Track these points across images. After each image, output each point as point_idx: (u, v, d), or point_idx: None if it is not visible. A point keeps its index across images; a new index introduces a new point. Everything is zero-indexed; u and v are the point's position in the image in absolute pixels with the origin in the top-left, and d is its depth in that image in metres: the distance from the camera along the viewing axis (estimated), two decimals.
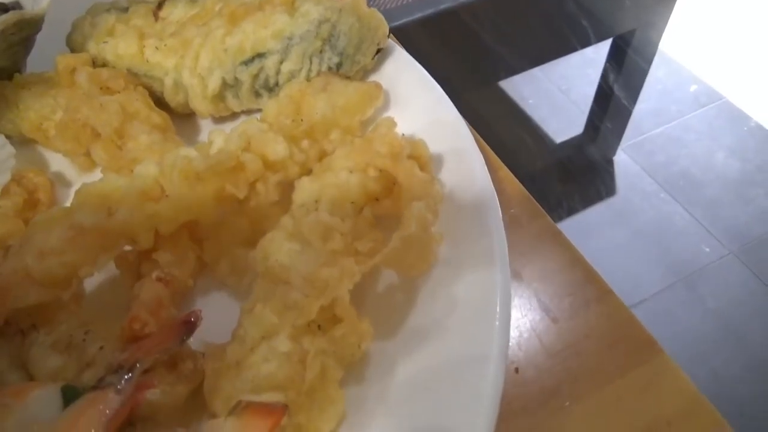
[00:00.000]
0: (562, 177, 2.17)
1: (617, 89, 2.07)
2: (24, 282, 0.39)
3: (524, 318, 0.46)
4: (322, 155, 0.47)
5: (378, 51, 0.53)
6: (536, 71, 2.29)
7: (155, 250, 0.43)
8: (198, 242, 0.46)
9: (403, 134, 0.45)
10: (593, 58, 2.18)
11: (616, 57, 1.98)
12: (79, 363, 0.38)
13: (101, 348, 0.39)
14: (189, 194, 0.42)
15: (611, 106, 2.14)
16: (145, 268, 0.43)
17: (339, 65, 0.52)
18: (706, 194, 2.10)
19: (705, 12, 2.62)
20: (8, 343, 0.39)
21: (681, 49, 2.51)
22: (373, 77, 0.54)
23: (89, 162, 0.52)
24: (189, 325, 0.40)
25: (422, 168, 0.43)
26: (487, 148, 0.53)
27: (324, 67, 0.52)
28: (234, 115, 0.56)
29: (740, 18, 2.60)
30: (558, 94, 2.34)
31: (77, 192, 0.42)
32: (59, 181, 0.53)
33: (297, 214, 0.43)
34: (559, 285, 0.48)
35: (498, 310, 0.39)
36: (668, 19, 1.81)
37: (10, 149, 0.50)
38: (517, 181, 0.52)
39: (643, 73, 2.06)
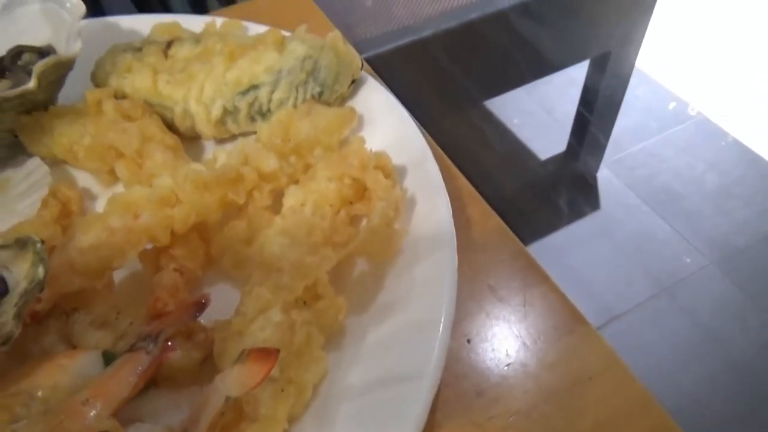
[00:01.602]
0: (546, 192, 2.27)
1: (597, 107, 2.17)
2: (68, 273, 0.49)
3: (474, 298, 0.56)
4: (307, 168, 0.57)
5: (353, 81, 0.63)
6: (520, 91, 2.41)
7: (171, 247, 0.53)
8: (206, 240, 0.55)
9: (371, 149, 0.55)
10: (575, 77, 2.28)
11: (594, 77, 2.08)
12: (114, 336, 0.48)
13: (131, 324, 0.48)
14: (198, 200, 0.52)
15: (592, 123, 2.23)
16: (163, 261, 0.53)
17: (321, 94, 0.63)
18: (687, 207, 2.19)
19: (681, 31, 2.75)
20: (56, 321, 0.49)
21: (659, 68, 2.62)
22: (350, 103, 0.64)
23: (112, 178, 0.62)
24: (200, 305, 0.50)
25: (386, 176, 0.53)
26: (445, 157, 0.64)
27: (308, 96, 0.63)
28: (233, 137, 0.66)
29: (715, 36, 2.73)
30: (541, 113, 2.45)
31: (109, 200, 0.52)
32: (86, 194, 0.63)
33: (286, 214, 0.53)
34: (505, 272, 0.58)
35: (446, 286, 0.49)
36: (642, 39, 1.91)
37: (45, 168, 0.61)
38: (471, 186, 0.62)
39: (621, 92, 2.15)
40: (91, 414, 0.40)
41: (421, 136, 0.58)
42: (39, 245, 0.43)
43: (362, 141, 0.55)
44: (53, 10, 0.65)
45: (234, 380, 0.42)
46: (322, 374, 0.47)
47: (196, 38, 0.69)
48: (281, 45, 0.64)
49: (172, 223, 0.52)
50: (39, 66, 0.58)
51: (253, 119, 0.64)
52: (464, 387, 0.52)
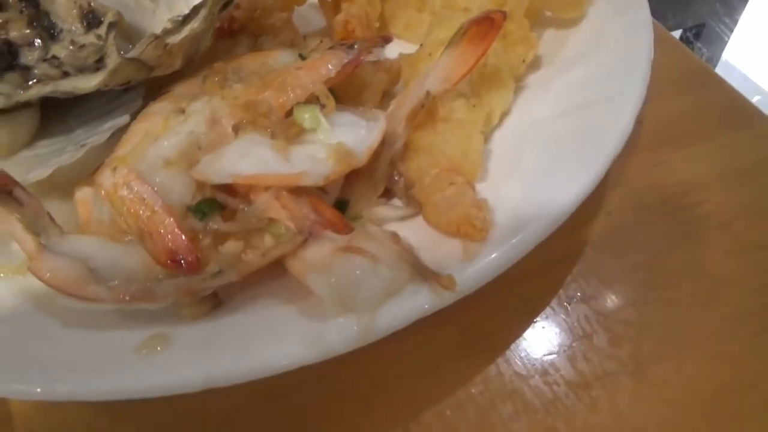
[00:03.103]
0: None
1: None
2: None
3: None
4: None
5: None
6: None
7: None
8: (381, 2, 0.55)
9: None
10: None
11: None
12: (304, 51, 0.48)
13: (321, 41, 0.49)
14: None
15: None
16: (344, 4, 0.53)
17: None
18: None
19: None
20: (247, 39, 0.50)
21: (745, 60, 2.54)
22: None
23: None
24: (386, 38, 0.50)
25: None
26: None
27: None
28: None
29: None
30: None
31: None
32: None
33: None
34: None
35: (644, 39, 0.47)
36: (737, 21, 1.85)
37: None
38: None
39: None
40: (306, 76, 0.40)
41: None
42: None
43: None
44: None
45: (441, 72, 0.42)
46: (509, 101, 0.47)
47: None
48: None
49: None
50: None
51: None
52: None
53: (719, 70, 2.13)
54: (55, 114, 0.47)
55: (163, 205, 0.34)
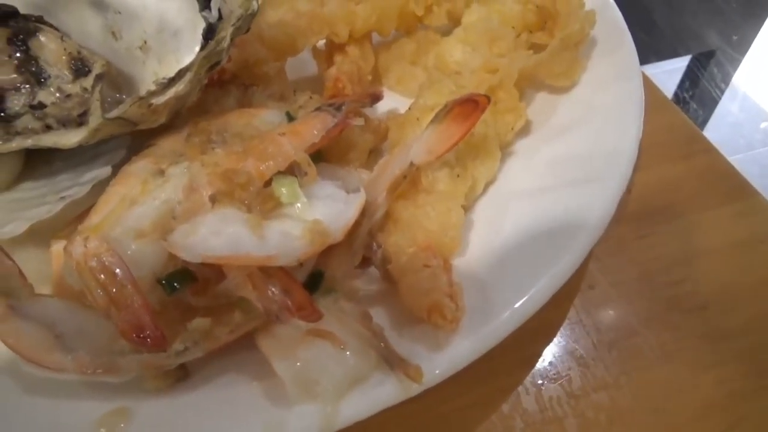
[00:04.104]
0: None
1: (689, 112, 2.12)
2: (257, 41, 0.49)
3: None
4: None
5: None
6: None
7: (347, 45, 0.53)
8: (375, 53, 0.55)
9: None
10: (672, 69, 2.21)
11: (690, 79, 2.02)
12: (292, 107, 0.48)
13: (310, 97, 0.48)
14: (382, 3, 0.52)
15: None
16: (338, 57, 0.53)
17: None
18: None
19: None
20: (237, 90, 0.49)
21: (755, 86, 2.54)
22: None
23: None
24: (376, 95, 0.50)
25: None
26: None
27: None
28: None
29: None
30: None
31: None
32: None
33: (468, 26, 0.52)
34: None
35: (633, 114, 0.47)
36: (748, 46, 1.85)
37: None
38: None
39: (714, 102, 2.09)
40: (288, 144, 0.40)
41: None
42: None
43: None
44: None
45: (424, 144, 0.42)
46: (495, 170, 0.46)
47: None
48: None
49: (353, 20, 0.52)
50: None
51: None
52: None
53: (728, 95, 2.13)
54: (39, 153, 0.47)
55: (132, 281, 0.33)
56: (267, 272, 0.35)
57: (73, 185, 0.43)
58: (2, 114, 0.44)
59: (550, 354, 0.44)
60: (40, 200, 0.43)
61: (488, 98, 0.41)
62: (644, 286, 0.48)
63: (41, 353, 0.33)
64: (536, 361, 0.44)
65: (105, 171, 0.43)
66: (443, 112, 0.42)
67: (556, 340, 0.45)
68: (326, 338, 0.34)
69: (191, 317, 0.35)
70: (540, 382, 0.43)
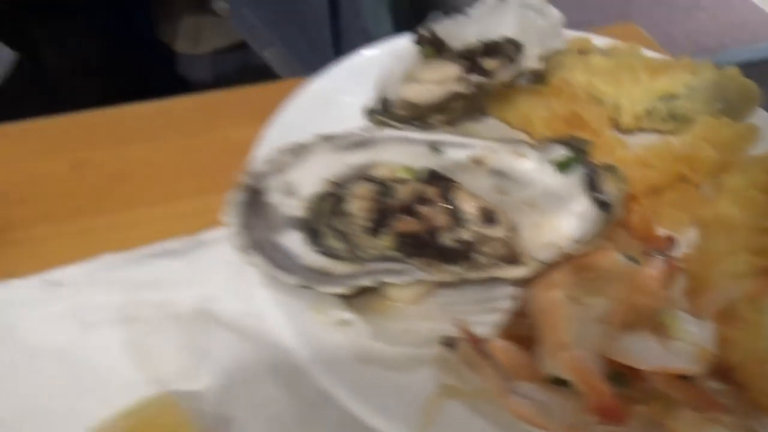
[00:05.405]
0: None
1: None
2: None
3: None
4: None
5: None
6: None
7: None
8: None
9: None
10: None
11: None
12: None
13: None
14: (667, 168, 0.74)
15: None
16: (630, 205, 0.74)
17: (723, 111, 0.84)
18: None
19: None
20: None
21: None
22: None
23: None
24: (672, 240, 0.71)
25: None
26: None
27: (713, 110, 0.83)
28: (640, 130, 0.87)
29: None
30: None
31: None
32: None
33: (728, 193, 0.73)
34: None
35: None
36: None
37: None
38: None
39: None
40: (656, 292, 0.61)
41: None
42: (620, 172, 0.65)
43: None
44: (525, 15, 0.88)
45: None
46: None
47: (603, 52, 0.91)
48: (693, 68, 0.86)
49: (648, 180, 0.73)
50: (541, 54, 0.81)
51: (664, 120, 0.85)
52: None
53: None
54: None
55: (603, 378, 0.54)
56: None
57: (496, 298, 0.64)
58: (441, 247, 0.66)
59: None
60: (472, 306, 0.64)
61: None
62: None
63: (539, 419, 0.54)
64: None
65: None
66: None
67: None
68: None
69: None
70: None
